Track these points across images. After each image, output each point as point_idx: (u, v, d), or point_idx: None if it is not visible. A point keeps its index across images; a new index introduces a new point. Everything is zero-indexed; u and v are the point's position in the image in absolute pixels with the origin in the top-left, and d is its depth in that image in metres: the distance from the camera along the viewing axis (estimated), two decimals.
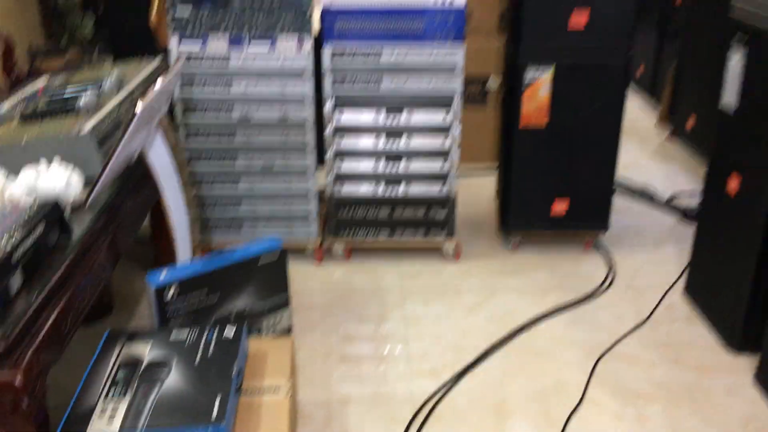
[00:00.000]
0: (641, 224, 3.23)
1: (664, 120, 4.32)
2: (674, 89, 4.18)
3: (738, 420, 2.06)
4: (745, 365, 2.28)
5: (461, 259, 2.92)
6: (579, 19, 2.58)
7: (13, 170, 1.90)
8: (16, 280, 1.58)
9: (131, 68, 2.63)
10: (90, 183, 1.90)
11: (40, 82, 2.58)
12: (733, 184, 2.30)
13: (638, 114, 4.62)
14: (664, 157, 3.96)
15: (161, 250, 2.75)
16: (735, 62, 2.26)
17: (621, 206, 3.36)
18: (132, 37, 3.49)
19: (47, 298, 1.60)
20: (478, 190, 3.52)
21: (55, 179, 1.90)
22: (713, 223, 2.47)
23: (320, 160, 2.85)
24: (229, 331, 1.81)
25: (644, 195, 3.49)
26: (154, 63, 2.72)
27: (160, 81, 2.12)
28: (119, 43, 3.75)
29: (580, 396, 2.16)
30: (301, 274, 2.80)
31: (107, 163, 1.84)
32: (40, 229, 1.68)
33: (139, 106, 1.89)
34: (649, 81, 4.79)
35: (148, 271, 2.05)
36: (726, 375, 2.25)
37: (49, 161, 1.94)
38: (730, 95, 2.31)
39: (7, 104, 2.36)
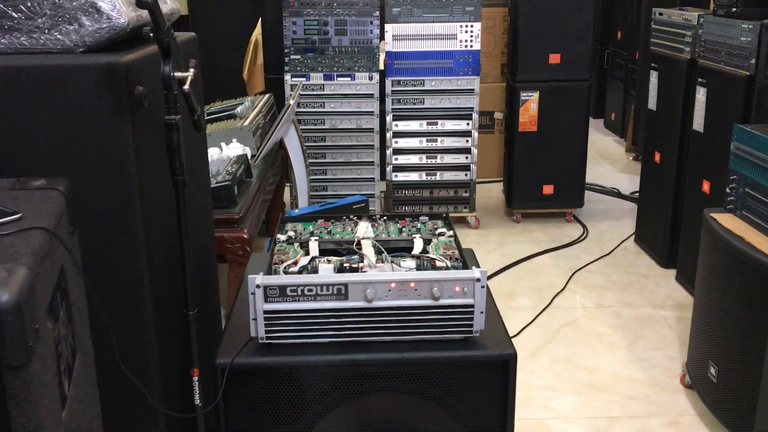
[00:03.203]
0: (609, 208, 4.47)
1: (629, 148, 5.62)
2: (635, 125, 5.49)
3: (663, 296, 3.25)
4: (670, 273, 3.48)
5: (480, 228, 4.14)
6: (554, 58, 3.92)
7: None
8: (236, 189, 2.83)
9: (252, 98, 3.96)
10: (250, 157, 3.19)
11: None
12: (656, 158, 3.56)
13: (612, 145, 5.94)
14: (629, 171, 5.24)
15: (272, 218, 3.99)
16: (653, 81, 3.57)
17: (595, 198, 4.60)
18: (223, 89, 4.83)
19: (249, 204, 2.86)
20: (489, 192, 4.78)
21: (236, 149, 3.19)
22: (647, 191, 3.71)
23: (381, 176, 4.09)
24: None
25: (612, 193, 4.75)
26: (265, 96, 4.05)
27: (296, 91, 3.43)
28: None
29: (562, 287, 3.35)
30: None
31: (269, 138, 3.12)
32: (242, 167, 2.95)
33: (291, 102, 3.19)
34: (620, 124, 6.13)
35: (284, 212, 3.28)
36: (657, 277, 3.45)
37: (226, 144, 3.22)
38: (651, 104, 3.61)
39: None
